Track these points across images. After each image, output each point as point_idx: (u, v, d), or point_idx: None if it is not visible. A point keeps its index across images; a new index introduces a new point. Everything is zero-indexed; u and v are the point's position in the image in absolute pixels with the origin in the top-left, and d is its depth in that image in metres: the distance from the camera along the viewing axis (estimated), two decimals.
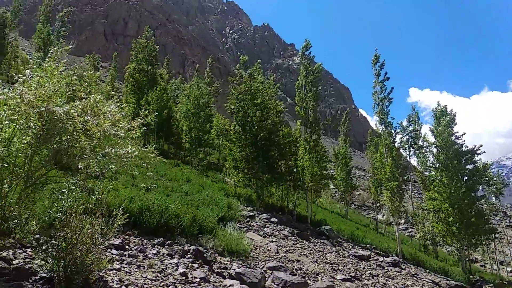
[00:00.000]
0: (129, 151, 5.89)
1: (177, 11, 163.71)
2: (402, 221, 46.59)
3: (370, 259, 16.40)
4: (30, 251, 6.41)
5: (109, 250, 7.30)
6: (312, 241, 16.50)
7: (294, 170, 23.51)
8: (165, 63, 68.65)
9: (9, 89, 6.27)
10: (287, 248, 13.43)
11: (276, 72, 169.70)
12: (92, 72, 7.49)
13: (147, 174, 6.45)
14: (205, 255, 8.81)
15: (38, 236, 6.15)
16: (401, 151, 36.10)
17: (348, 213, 40.86)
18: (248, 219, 16.27)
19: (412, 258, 21.83)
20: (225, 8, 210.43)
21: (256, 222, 16.48)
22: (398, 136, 31.85)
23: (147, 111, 7.12)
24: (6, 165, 5.73)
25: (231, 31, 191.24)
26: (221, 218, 13.48)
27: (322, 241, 17.44)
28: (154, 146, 6.49)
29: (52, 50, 6.54)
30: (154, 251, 8.18)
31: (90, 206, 6.18)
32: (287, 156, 23.44)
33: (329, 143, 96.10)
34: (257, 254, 11.32)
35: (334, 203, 50.42)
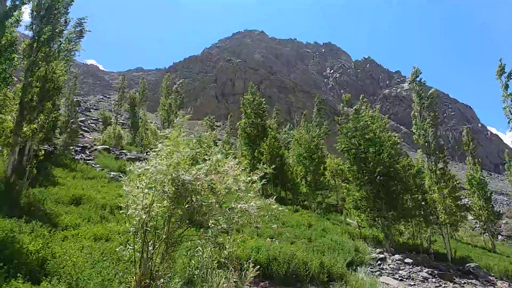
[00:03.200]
0: (253, 204, 6.16)
1: (277, 63, 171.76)
2: None
3: None
4: None
5: None
6: (458, 282, 14.67)
7: (423, 203, 21.64)
8: (273, 113, 71.53)
9: (145, 161, 7.20)
10: None
11: (385, 102, 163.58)
12: (208, 133, 8.18)
13: (272, 226, 6.58)
14: None
15: None
16: None
17: (495, 245, 35.61)
18: (379, 262, 15.28)
19: None
20: (323, 50, 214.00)
21: (389, 264, 15.37)
22: None
23: (262, 162, 7.46)
24: (149, 229, 6.44)
25: (332, 71, 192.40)
26: (350, 262, 12.94)
27: (469, 281, 15.39)
28: (274, 197, 6.66)
29: (175, 120, 7.39)
30: None
31: (223, 260, 6.49)
32: (412, 189, 21.79)
33: (457, 169, 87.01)
34: None
35: (476, 236, 44.53)
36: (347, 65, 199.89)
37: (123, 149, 42.23)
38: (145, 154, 35.81)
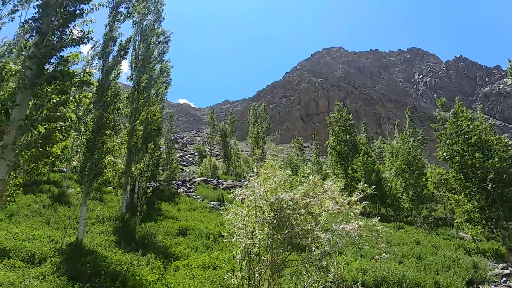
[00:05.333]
0: (355, 225, 6.00)
1: (360, 76, 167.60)
2: None
3: None
4: None
5: None
6: None
7: None
8: (362, 128, 69.49)
9: (242, 188, 7.49)
10: None
11: (486, 101, 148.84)
12: (298, 153, 8.23)
13: (379, 246, 6.32)
14: None
15: None
16: None
17: None
18: (504, 279, 13.65)
19: None
20: (408, 56, 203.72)
21: None
22: None
23: (357, 180, 7.29)
24: (253, 255, 6.62)
25: (421, 76, 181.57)
26: (470, 281, 11.76)
27: None
28: (377, 217, 6.42)
29: (270, 149, 7.62)
30: None
31: (329, 284, 6.37)
32: None
33: None
34: None
35: None
36: (437, 67, 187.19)
37: (219, 179, 44.20)
38: (240, 182, 37.05)
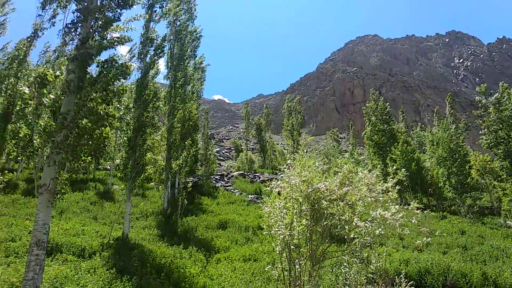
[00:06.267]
0: (393, 212, 5.92)
1: (397, 64, 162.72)
2: None
3: None
4: None
5: None
6: None
7: None
8: (400, 116, 67.64)
9: (278, 181, 7.56)
10: None
11: None
12: (334, 144, 8.19)
13: (421, 230, 6.21)
14: None
15: None
16: None
17: None
18: None
19: None
20: (447, 40, 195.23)
21: None
22: None
23: (394, 168, 7.17)
24: (292, 247, 6.69)
25: (461, 60, 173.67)
26: None
27: None
28: (416, 202, 6.31)
29: (301, 140, 7.64)
30: None
31: (370, 275, 6.34)
32: None
33: None
34: None
35: None
36: (478, 50, 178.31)
37: (256, 172, 44.50)
38: (276, 175, 37.15)
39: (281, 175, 7.61)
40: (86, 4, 7.93)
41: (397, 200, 6.82)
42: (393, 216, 6.01)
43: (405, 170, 7.58)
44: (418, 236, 14.95)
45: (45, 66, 21.59)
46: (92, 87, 7.88)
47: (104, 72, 7.87)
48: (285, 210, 7.03)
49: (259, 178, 39.37)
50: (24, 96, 18.86)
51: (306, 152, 7.44)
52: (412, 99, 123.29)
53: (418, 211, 6.10)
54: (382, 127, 35.32)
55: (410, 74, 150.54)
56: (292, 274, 6.71)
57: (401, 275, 6.36)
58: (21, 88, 18.68)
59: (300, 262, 6.73)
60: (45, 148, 18.96)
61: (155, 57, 15.51)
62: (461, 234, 18.26)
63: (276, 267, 7.07)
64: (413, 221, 6.06)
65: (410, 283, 6.11)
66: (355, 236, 6.45)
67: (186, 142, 21.76)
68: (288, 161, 7.52)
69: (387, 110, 37.16)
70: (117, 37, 8.29)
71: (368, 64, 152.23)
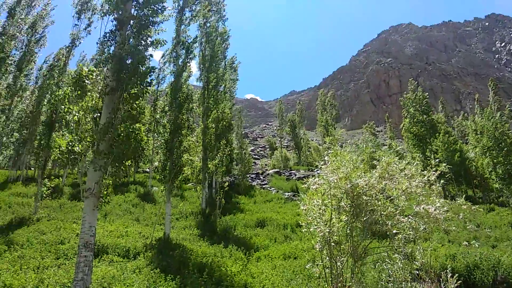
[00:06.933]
0: (438, 205, 5.70)
1: (434, 52, 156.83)
2: None
3: None
4: None
5: None
6: None
7: None
8: (439, 106, 65.28)
9: (316, 177, 7.46)
10: None
11: None
12: (371, 138, 7.98)
13: (467, 227, 5.95)
14: None
15: None
16: None
17: None
18: None
19: None
20: (486, 24, 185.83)
21: None
22: None
23: (437, 160, 6.89)
24: (333, 244, 6.59)
25: (503, 44, 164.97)
26: None
27: None
28: (463, 196, 6.04)
29: (336, 135, 7.50)
30: None
31: (415, 271, 6.14)
32: None
33: None
34: None
35: None
36: None
37: (291, 170, 44.34)
38: (313, 172, 36.86)
39: (318, 171, 7.51)
40: (121, 13, 8.20)
41: (440, 194, 6.58)
42: (437, 211, 5.78)
43: (447, 163, 7.30)
44: (464, 231, 14.36)
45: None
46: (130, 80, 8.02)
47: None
48: (323, 207, 6.93)
49: (295, 175, 39.20)
50: (64, 102, 19.63)
51: (342, 147, 7.33)
52: (452, 87, 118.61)
53: (465, 207, 5.83)
54: (421, 118, 34.20)
55: (449, 62, 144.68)
56: (334, 272, 6.61)
57: (447, 270, 6.10)
58: (58, 93, 19.40)
59: (342, 259, 6.62)
60: (87, 154, 19.70)
61: (187, 60, 15.77)
62: (510, 226, 17.38)
63: (317, 265, 6.99)
64: (460, 217, 5.81)
65: (457, 277, 5.85)
66: (398, 232, 6.26)
67: (221, 142, 21.99)
68: (326, 158, 7.41)
69: (426, 100, 35.92)
70: (151, 41, 8.52)
71: (403, 54, 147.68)
